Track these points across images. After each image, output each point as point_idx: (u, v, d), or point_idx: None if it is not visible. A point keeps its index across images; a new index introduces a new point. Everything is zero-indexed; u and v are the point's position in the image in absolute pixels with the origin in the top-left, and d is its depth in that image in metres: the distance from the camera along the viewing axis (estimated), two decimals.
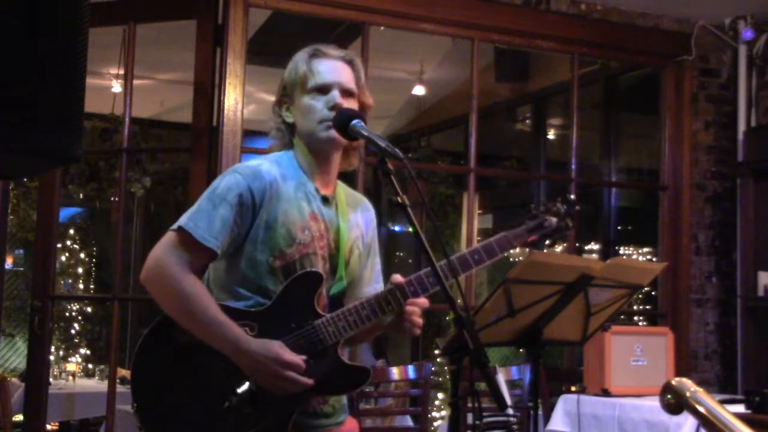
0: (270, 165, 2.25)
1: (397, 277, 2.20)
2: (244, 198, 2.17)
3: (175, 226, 2.17)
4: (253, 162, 2.27)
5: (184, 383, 2.16)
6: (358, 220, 2.38)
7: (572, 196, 2.45)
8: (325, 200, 2.28)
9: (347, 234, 2.30)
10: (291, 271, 2.19)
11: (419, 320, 2.21)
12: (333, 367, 2.19)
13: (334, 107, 2.22)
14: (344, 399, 2.35)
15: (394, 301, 2.18)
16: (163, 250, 2.16)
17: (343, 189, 2.38)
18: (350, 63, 2.31)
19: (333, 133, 2.21)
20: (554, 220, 2.39)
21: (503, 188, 8.45)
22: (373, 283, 2.39)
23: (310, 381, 2.11)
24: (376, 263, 2.43)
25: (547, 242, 2.42)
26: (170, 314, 2.16)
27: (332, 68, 2.27)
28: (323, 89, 2.25)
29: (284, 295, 2.17)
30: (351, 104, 2.27)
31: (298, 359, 2.11)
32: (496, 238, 2.30)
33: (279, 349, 2.09)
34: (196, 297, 2.12)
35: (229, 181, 2.20)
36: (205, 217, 2.15)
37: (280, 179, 2.22)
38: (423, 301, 2.21)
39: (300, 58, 2.30)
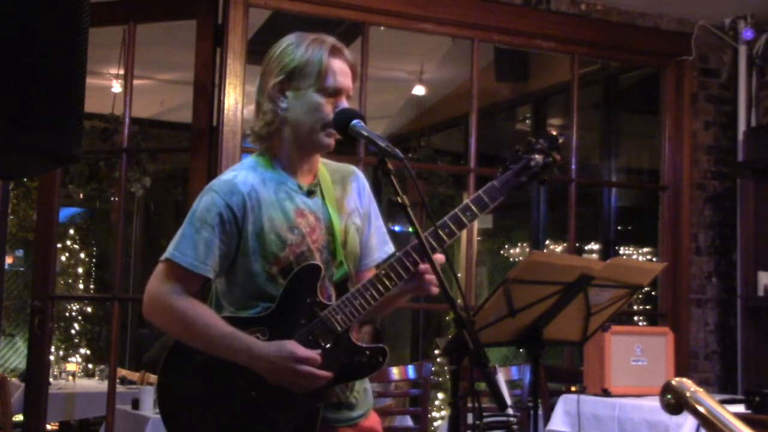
0: (246, 173, 2.22)
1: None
2: (224, 217, 2.16)
3: (163, 257, 2.18)
4: (228, 175, 2.24)
5: (210, 400, 2.18)
6: (347, 194, 2.34)
7: (553, 132, 2.38)
8: (309, 192, 2.26)
9: (338, 217, 2.28)
10: (289, 272, 2.18)
11: (432, 277, 2.17)
12: (350, 353, 2.19)
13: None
14: (369, 390, 2.35)
15: (395, 275, 2.17)
16: (156, 283, 2.18)
17: (326, 168, 2.34)
18: (353, 68, 2.27)
19: (332, 141, 2.21)
20: (539, 157, 2.31)
21: None
22: (381, 247, 2.38)
23: (328, 374, 2.12)
24: (379, 227, 2.40)
25: (539, 180, 2.32)
26: (180, 340, 2.19)
27: (346, 73, 2.23)
28: (336, 93, 2.21)
29: (287, 295, 2.17)
30: None
31: (313, 353, 2.11)
32: (485, 189, 2.26)
33: (292, 346, 2.10)
34: (196, 319, 2.14)
35: (206, 202, 2.19)
36: (190, 244, 2.16)
37: (258, 185, 2.20)
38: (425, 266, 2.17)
39: (320, 49, 2.21)
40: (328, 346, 2.16)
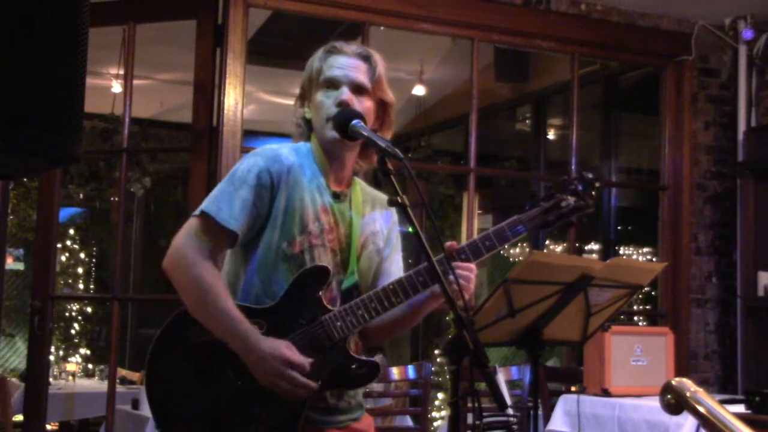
0: (289, 152, 2.25)
1: (453, 244, 2.16)
2: (262, 179, 2.16)
3: (197, 211, 2.16)
4: (273, 146, 2.26)
5: (196, 383, 2.17)
6: (375, 216, 2.35)
7: (590, 175, 2.29)
8: (336, 196, 2.27)
9: (360, 229, 2.28)
10: (298, 260, 2.18)
11: (468, 274, 2.15)
12: (342, 363, 2.18)
13: (340, 104, 2.20)
14: (360, 396, 2.33)
15: (403, 292, 2.17)
16: (185, 236, 2.15)
17: (360, 187, 2.37)
18: (366, 59, 2.27)
19: (335, 134, 2.20)
20: (572, 199, 2.26)
21: (503, 188, 8.46)
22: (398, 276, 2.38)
23: (313, 384, 2.09)
24: (398, 259, 2.41)
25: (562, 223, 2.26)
26: (186, 302, 2.15)
27: (344, 63, 2.24)
28: (333, 84, 2.23)
29: (292, 291, 2.16)
30: (364, 101, 2.24)
31: (304, 361, 2.09)
32: (508, 222, 2.23)
33: (286, 349, 2.08)
34: (212, 287, 2.11)
35: (248, 163, 2.20)
36: (226, 199, 2.15)
37: (298, 167, 2.22)
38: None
39: (317, 55, 2.29)
40: (322, 351, 2.15)
